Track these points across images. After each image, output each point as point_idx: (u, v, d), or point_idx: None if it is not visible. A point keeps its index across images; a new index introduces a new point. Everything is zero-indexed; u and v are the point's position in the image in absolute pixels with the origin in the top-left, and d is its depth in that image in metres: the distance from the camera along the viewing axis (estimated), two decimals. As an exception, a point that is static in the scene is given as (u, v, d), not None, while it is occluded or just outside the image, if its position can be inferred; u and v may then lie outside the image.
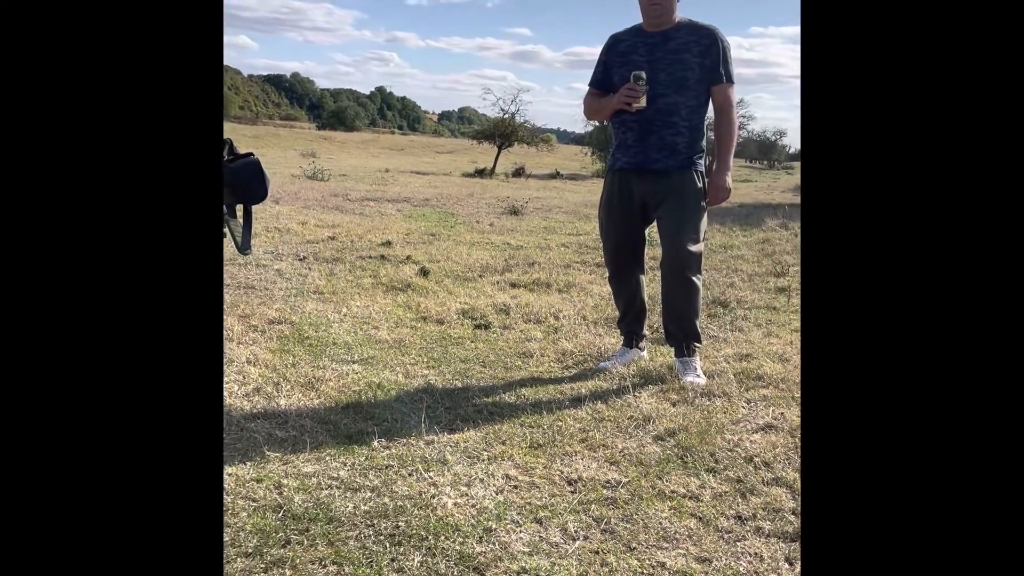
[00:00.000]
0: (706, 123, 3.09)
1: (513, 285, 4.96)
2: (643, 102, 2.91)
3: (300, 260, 5.44)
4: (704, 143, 3.07)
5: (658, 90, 2.92)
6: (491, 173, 23.03)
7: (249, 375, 2.87)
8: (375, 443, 2.29)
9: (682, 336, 3.05)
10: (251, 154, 3.97)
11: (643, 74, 2.89)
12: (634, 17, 3.09)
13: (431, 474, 2.10)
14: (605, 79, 3.12)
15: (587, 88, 3.23)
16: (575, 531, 1.83)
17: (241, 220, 4.04)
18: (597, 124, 25.03)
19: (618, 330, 3.46)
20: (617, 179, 3.11)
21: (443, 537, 1.76)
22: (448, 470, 2.13)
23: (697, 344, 3.08)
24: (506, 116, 27.52)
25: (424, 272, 5.15)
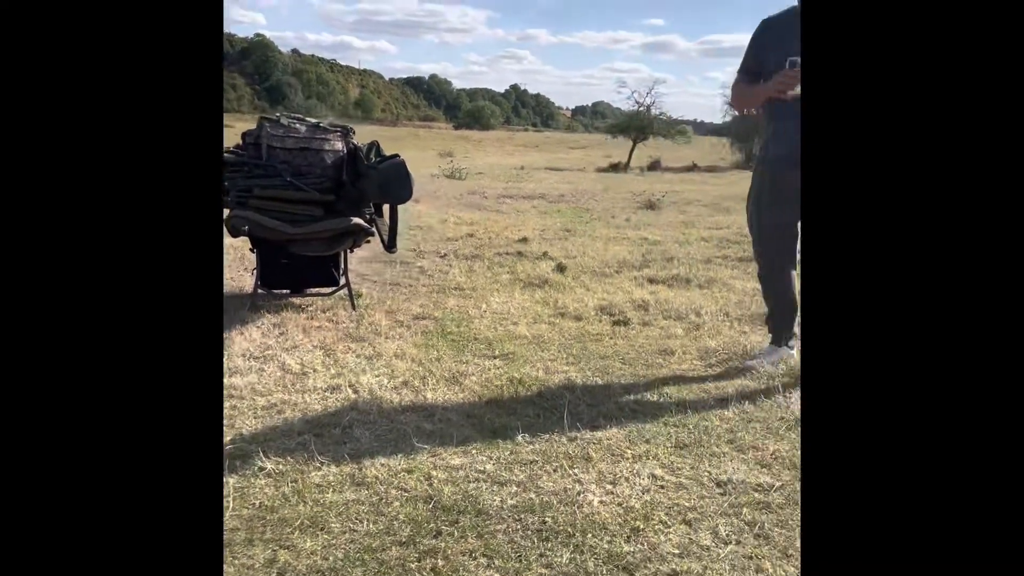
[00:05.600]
0: None
1: (651, 281, 4.88)
2: (799, 89, 2.77)
3: (441, 257, 5.59)
4: None
5: None
6: (626, 167, 22.76)
7: (397, 369, 2.98)
8: (519, 438, 2.31)
9: None
10: (397, 155, 4.13)
11: (799, 60, 2.75)
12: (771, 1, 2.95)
13: (576, 471, 2.10)
14: (756, 65, 2.99)
15: (735, 76, 3.11)
16: (727, 535, 1.77)
17: (387, 220, 4.22)
18: (745, 113, 24.14)
19: (766, 328, 3.33)
20: (769, 170, 2.97)
21: (590, 535, 1.75)
22: (592, 467, 2.12)
23: None
24: (641, 109, 27.09)
25: (561, 268, 5.16)
